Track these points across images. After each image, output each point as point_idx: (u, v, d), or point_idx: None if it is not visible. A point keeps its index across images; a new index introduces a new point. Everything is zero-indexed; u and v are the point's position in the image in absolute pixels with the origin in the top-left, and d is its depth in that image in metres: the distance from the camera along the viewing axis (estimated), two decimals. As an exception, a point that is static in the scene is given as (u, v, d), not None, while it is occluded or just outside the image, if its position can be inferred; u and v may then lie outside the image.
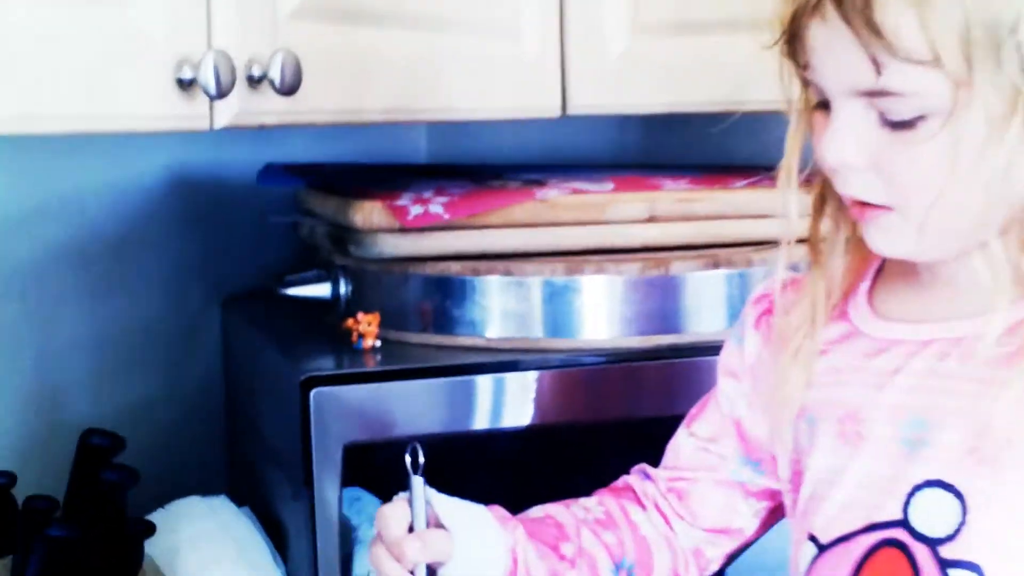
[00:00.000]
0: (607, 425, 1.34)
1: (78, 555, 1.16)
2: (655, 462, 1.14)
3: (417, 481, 0.99)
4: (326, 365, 1.32)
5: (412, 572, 0.99)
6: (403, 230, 1.34)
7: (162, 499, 1.56)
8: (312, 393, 1.22)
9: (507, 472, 1.38)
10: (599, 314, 1.33)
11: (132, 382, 1.62)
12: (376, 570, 1.02)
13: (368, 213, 1.35)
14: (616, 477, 1.15)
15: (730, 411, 1.09)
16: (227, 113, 1.13)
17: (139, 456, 1.58)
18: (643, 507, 1.11)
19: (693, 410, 1.13)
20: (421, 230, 1.34)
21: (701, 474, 1.10)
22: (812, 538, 0.97)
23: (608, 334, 1.33)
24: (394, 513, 1.00)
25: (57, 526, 1.12)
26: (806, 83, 0.93)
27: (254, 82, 1.14)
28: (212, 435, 1.66)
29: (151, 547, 1.37)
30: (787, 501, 1.05)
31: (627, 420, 1.32)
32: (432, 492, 1.01)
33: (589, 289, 1.32)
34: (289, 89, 1.14)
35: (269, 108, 1.15)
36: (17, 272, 1.53)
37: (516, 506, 1.09)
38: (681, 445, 1.12)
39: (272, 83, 1.13)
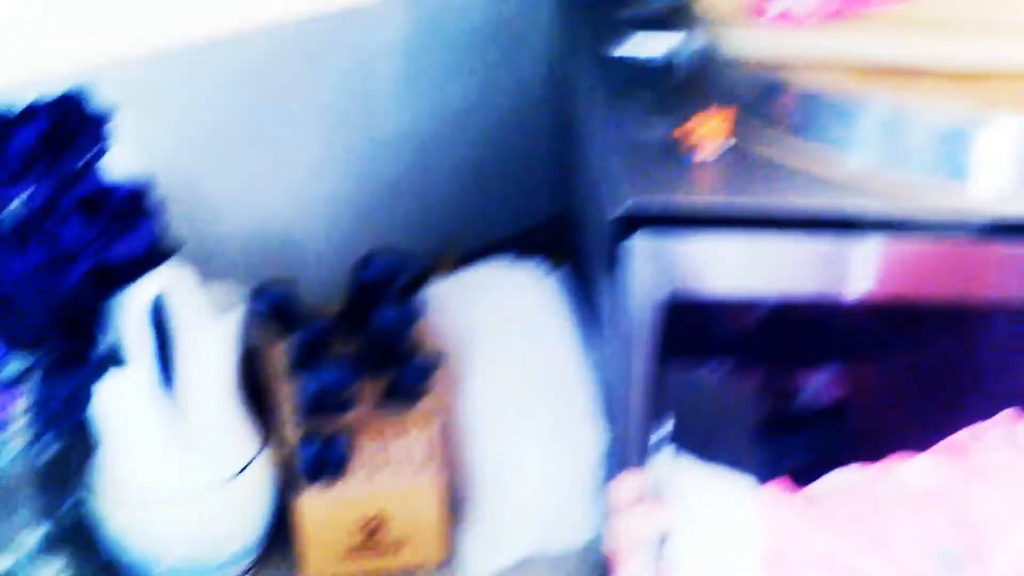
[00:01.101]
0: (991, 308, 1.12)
1: (349, 395, 1.07)
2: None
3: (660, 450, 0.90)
4: (649, 185, 1.11)
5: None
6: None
7: (481, 220, 1.46)
8: (625, 243, 1.06)
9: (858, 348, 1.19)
10: (998, 164, 1.07)
11: (452, 87, 1.47)
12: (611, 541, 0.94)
13: (718, -1, 1.11)
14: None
15: None
16: None
17: (457, 178, 1.48)
18: (984, 477, 0.93)
19: None
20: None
21: None
22: None
23: (1008, 188, 1.07)
24: (623, 483, 0.92)
25: (325, 371, 1.01)
26: None
27: None
28: (537, 151, 1.52)
29: (452, 314, 1.29)
30: None
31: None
32: (684, 461, 0.90)
33: (990, 134, 1.06)
34: None
35: None
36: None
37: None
38: None
39: None
